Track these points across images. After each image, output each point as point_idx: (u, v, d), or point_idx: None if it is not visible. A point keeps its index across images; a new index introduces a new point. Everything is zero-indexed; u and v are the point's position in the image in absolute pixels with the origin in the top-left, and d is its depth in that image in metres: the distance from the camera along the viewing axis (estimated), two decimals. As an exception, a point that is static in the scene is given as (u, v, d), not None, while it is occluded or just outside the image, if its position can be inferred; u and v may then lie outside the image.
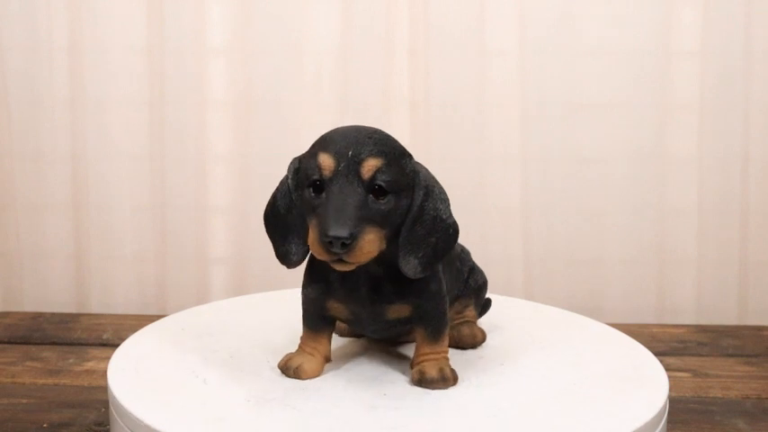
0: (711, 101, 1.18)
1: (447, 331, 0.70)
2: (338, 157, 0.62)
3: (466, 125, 1.19)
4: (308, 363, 0.70)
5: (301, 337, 0.72)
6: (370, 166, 0.62)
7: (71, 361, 1.02)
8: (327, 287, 0.68)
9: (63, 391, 0.93)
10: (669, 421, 0.73)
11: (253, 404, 0.65)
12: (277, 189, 0.68)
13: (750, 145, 1.19)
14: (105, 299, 1.25)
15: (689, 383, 0.97)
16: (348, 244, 0.60)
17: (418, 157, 0.71)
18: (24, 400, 0.91)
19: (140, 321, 1.02)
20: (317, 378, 0.70)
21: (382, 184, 0.62)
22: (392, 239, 0.64)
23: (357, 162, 0.62)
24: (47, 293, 1.26)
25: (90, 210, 1.23)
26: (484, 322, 0.83)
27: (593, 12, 1.17)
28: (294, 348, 0.73)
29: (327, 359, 0.72)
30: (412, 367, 0.70)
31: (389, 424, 0.62)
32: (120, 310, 1.25)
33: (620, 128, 1.19)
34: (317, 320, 0.71)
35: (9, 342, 1.09)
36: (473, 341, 0.78)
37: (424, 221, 0.65)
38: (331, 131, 0.66)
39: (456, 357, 0.73)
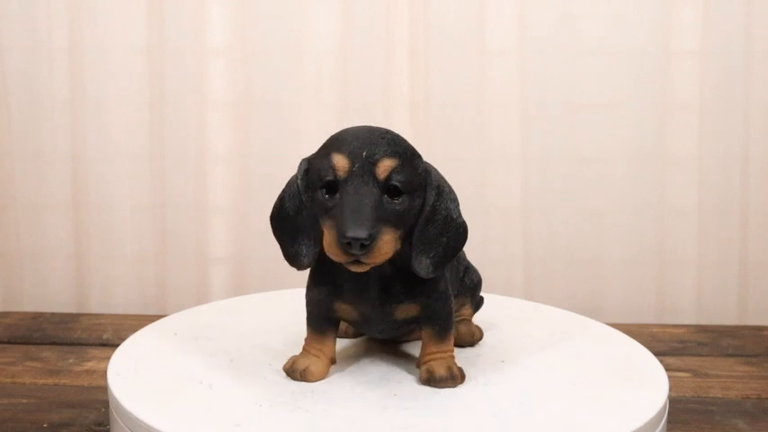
0: (711, 101, 1.18)
1: (453, 330, 0.71)
2: (352, 157, 0.62)
3: (466, 125, 1.19)
4: (315, 365, 0.69)
5: (306, 339, 0.71)
6: (385, 166, 0.62)
7: (71, 361, 1.02)
8: (335, 289, 0.68)
9: (63, 391, 0.93)
10: (669, 421, 0.73)
11: (264, 408, 0.64)
12: (284, 190, 0.68)
13: (750, 145, 1.19)
14: (105, 299, 1.25)
15: (689, 383, 0.97)
16: (367, 245, 0.59)
17: (418, 157, 0.71)
18: (24, 400, 0.91)
19: (140, 321, 1.02)
20: (324, 380, 0.70)
21: (397, 184, 0.62)
22: (403, 240, 0.64)
23: (372, 162, 0.62)
24: (47, 293, 1.26)
25: (90, 210, 1.23)
26: (484, 321, 0.83)
27: (593, 12, 1.17)
28: (295, 350, 0.73)
29: (333, 361, 0.71)
30: (419, 366, 0.70)
31: (402, 424, 0.62)
32: (120, 310, 1.25)
33: (620, 128, 1.19)
34: (322, 322, 0.70)
35: (9, 342, 1.09)
36: (471, 339, 0.78)
37: (436, 221, 0.65)
38: (341, 132, 0.65)
39: (455, 356, 0.73)
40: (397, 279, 0.67)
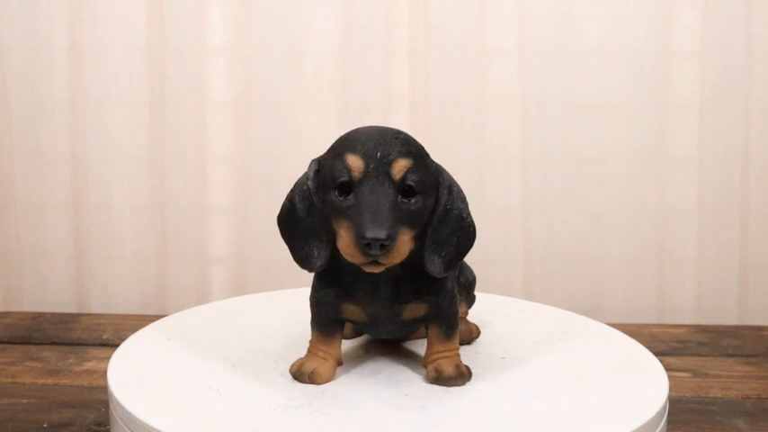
0: (711, 101, 1.18)
1: (458, 328, 0.71)
2: (367, 157, 0.62)
3: (466, 125, 1.19)
4: (322, 367, 0.69)
5: (311, 342, 0.71)
6: (400, 166, 0.62)
7: (71, 361, 1.02)
8: (342, 290, 0.67)
9: (63, 391, 0.93)
10: (669, 421, 0.73)
11: (279, 412, 0.64)
12: (293, 192, 0.67)
13: (750, 145, 1.19)
14: (105, 299, 1.25)
15: (689, 383, 0.97)
16: (386, 245, 0.59)
17: (418, 157, 0.71)
18: (24, 400, 0.91)
19: (140, 321, 1.02)
20: (332, 382, 0.69)
21: (412, 184, 0.62)
22: (415, 239, 0.64)
23: (387, 163, 0.62)
24: (47, 293, 1.26)
25: (90, 210, 1.23)
26: (485, 321, 0.83)
27: (593, 12, 1.17)
28: (297, 351, 0.73)
29: (339, 362, 0.71)
30: (425, 365, 0.70)
31: (424, 424, 0.62)
32: (120, 310, 1.25)
33: (620, 128, 1.19)
34: (328, 324, 0.70)
35: (9, 342, 1.09)
36: (469, 337, 0.78)
37: (449, 221, 0.66)
38: (352, 132, 0.65)
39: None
40: (406, 279, 0.66)
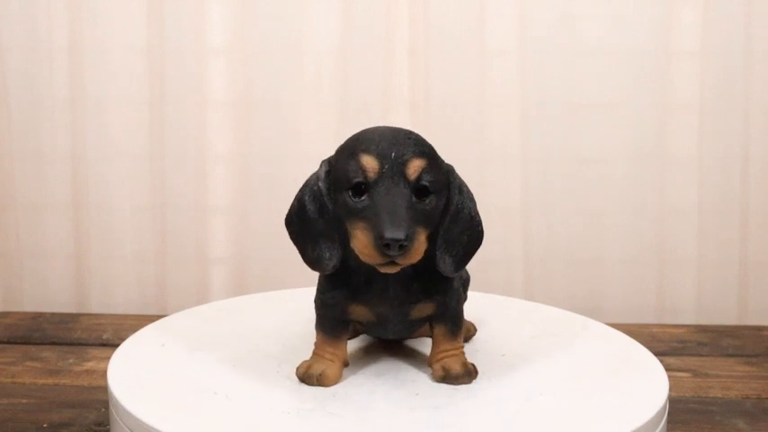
0: (711, 101, 1.18)
1: (463, 327, 0.71)
2: (381, 158, 0.62)
3: (466, 125, 1.19)
4: (330, 369, 0.69)
5: (316, 344, 0.70)
6: (415, 166, 0.62)
7: (71, 361, 1.02)
8: (351, 291, 0.67)
9: (63, 391, 0.93)
10: (669, 421, 0.73)
11: (294, 416, 0.63)
12: (302, 193, 0.67)
13: (750, 145, 1.19)
14: (105, 299, 1.25)
15: (689, 383, 0.97)
16: (405, 246, 0.59)
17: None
18: (24, 400, 0.91)
19: (140, 321, 1.02)
20: (340, 384, 0.69)
21: (427, 184, 0.62)
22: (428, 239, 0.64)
23: (401, 163, 0.62)
24: (47, 293, 1.26)
25: (90, 210, 1.23)
26: (484, 321, 0.83)
27: (593, 12, 1.17)
28: (298, 352, 0.73)
29: (346, 363, 0.71)
30: (431, 364, 0.70)
31: (440, 423, 0.62)
32: (120, 310, 1.25)
33: (620, 128, 1.19)
34: (335, 325, 0.69)
35: (9, 342, 1.09)
36: (467, 334, 0.79)
37: (460, 220, 0.66)
38: (363, 133, 0.65)
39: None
40: (415, 278, 0.66)
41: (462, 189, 0.67)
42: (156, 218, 1.23)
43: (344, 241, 0.64)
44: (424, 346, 0.78)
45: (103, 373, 0.76)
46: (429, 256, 0.64)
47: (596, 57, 1.18)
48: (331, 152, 1.26)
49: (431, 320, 0.70)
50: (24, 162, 1.23)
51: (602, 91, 1.18)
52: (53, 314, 1.20)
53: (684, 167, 1.19)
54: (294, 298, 0.91)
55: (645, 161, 1.20)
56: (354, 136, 0.65)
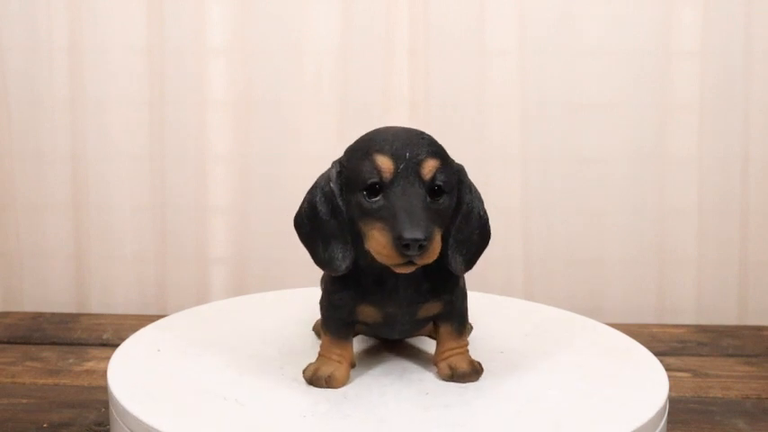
0: (711, 101, 1.18)
1: (467, 325, 0.71)
2: (396, 158, 0.62)
3: (466, 125, 1.19)
4: (338, 371, 0.68)
5: (322, 345, 0.70)
6: (430, 166, 0.62)
7: (71, 361, 1.02)
8: (360, 292, 0.67)
9: (63, 391, 0.93)
10: (669, 421, 0.73)
11: (311, 419, 0.62)
12: (312, 194, 0.66)
13: (750, 145, 1.19)
14: (105, 299, 1.25)
15: (689, 383, 0.97)
16: (424, 246, 0.59)
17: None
18: (24, 400, 0.91)
19: (140, 321, 1.02)
20: (349, 385, 0.68)
21: (441, 184, 0.63)
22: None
23: (416, 163, 0.62)
24: (47, 293, 1.26)
25: (90, 210, 1.23)
26: (484, 321, 0.83)
27: (593, 12, 1.17)
28: (301, 353, 0.72)
29: (353, 365, 0.70)
30: (436, 363, 0.71)
31: (458, 421, 0.62)
32: (120, 310, 1.25)
33: (620, 128, 1.19)
34: (342, 327, 0.69)
35: (9, 342, 1.09)
36: None
37: (470, 220, 0.67)
38: (375, 133, 0.65)
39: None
40: (424, 278, 0.66)
41: (472, 188, 0.67)
42: (156, 218, 1.23)
43: (355, 242, 0.64)
44: (423, 343, 0.78)
45: (103, 373, 0.76)
46: (440, 255, 0.64)
47: (596, 57, 1.18)
48: (331, 152, 1.26)
49: (436, 319, 0.70)
50: (24, 162, 1.23)
51: (602, 91, 1.18)
52: (53, 314, 1.20)
53: (684, 167, 1.19)
54: (294, 298, 0.91)
55: (645, 161, 1.20)
56: (365, 136, 0.65)
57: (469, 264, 0.67)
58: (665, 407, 0.68)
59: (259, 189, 1.21)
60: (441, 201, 0.63)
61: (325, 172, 0.66)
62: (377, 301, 0.67)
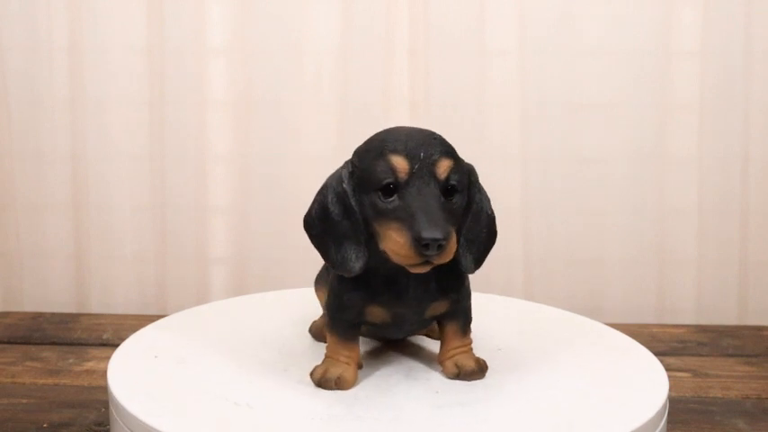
0: (711, 101, 1.18)
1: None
2: (411, 158, 0.62)
3: (466, 125, 1.19)
4: (347, 372, 0.68)
5: (329, 347, 0.69)
6: (445, 166, 0.63)
7: (71, 361, 1.02)
8: (369, 293, 0.67)
9: (63, 391, 0.93)
10: (669, 421, 0.73)
11: (327, 422, 0.62)
12: (323, 195, 0.66)
13: (750, 145, 1.19)
14: (105, 299, 1.25)
15: (689, 383, 0.97)
16: (443, 245, 0.59)
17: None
18: (24, 400, 0.91)
19: (140, 321, 1.02)
20: (357, 387, 0.68)
21: (455, 183, 0.63)
22: None
23: (431, 163, 0.62)
24: (47, 293, 1.26)
25: (90, 210, 1.23)
26: (484, 321, 0.83)
27: (593, 12, 1.17)
28: (299, 352, 0.72)
29: (360, 366, 0.70)
30: (441, 361, 0.71)
31: (474, 419, 0.62)
32: (120, 310, 1.25)
33: (620, 128, 1.19)
34: (349, 328, 0.69)
35: (9, 342, 1.09)
36: None
37: (480, 218, 0.67)
38: (387, 133, 0.65)
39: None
40: (432, 277, 0.66)
41: (481, 188, 0.68)
42: (156, 218, 1.23)
43: (368, 243, 0.64)
44: (423, 342, 0.78)
45: (103, 373, 0.76)
46: None
47: (596, 57, 1.18)
48: (331, 152, 1.26)
49: (442, 318, 0.70)
50: (24, 162, 1.23)
51: (602, 91, 1.18)
52: (53, 314, 1.20)
53: (684, 167, 1.19)
54: (294, 298, 0.91)
55: (645, 161, 1.20)
56: (377, 137, 0.65)
57: (479, 263, 0.67)
58: (665, 407, 0.68)
59: (259, 189, 1.21)
60: (454, 200, 0.63)
61: (336, 173, 0.66)
62: (386, 302, 0.67)
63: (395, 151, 0.62)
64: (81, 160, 1.22)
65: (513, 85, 1.18)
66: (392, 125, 1.22)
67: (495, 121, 1.19)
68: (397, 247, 0.60)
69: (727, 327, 1.18)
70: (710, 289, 1.22)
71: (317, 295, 0.80)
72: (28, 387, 0.95)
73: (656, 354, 0.79)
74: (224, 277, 1.24)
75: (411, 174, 0.62)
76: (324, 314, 0.80)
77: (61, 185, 1.23)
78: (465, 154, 1.20)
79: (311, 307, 0.81)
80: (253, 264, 1.23)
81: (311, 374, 0.69)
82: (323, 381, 0.67)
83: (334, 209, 0.65)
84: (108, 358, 0.74)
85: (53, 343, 1.09)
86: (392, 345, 0.77)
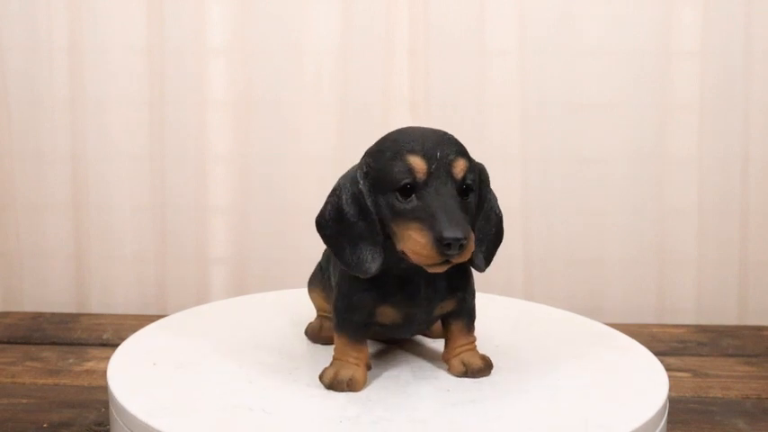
0: (711, 101, 1.18)
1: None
2: (428, 158, 0.62)
3: (466, 125, 1.19)
4: (357, 373, 0.67)
5: (337, 349, 0.69)
6: (461, 166, 0.63)
7: (71, 361, 1.02)
8: (380, 293, 0.66)
9: (63, 391, 0.93)
10: (669, 421, 0.73)
11: (349, 425, 0.61)
12: (337, 196, 0.65)
13: (750, 145, 1.19)
14: (105, 299, 1.25)
15: (689, 383, 0.97)
16: (464, 245, 0.59)
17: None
18: (24, 400, 0.91)
19: (140, 321, 1.02)
20: (368, 388, 0.68)
21: (470, 183, 0.63)
22: None
23: (447, 163, 0.62)
24: (47, 293, 1.26)
25: (90, 210, 1.23)
26: (484, 322, 0.83)
27: (593, 12, 1.17)
28: (298, 352, 0.72)
29: (369, 367, 0.70)
30: (447, 360, 0.71)
31: (490, 416, 0.62)
32: (120, 310, 1.25)
33: (620, 128, 1.19)
34: (359, 329, 0.68)
35: (9, 342, 1.09)
36: None
37: (490, 217, 0.68)
38: (401, 134, 0.65)
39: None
40: (442, 276, 0.66)
41: (490, 187, 0.68)
42: (156, 218, 1.23)
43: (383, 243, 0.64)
44: (422, 340, 0.78)
45: (103, 373, 0.76)
46: None
47: (596, 57, 1.18)
48: (331, 152, 1.26)
49: (448, 316, 0.70)
50: (24, 162, 1.23)
51: (602, 91, 1.18)
52: (53, 314, 1.20)
53: (684, 167, 1.19)
54: (294, 298, 0.91)
55: (645, 161, 1.20)
56: (390, 137, 0.65)
57: (488, 261, 0.68)
58: (665, 407, 0.68)
59: (259, 189, 1.21)
60: (468, 200, 0.63)
61: (349, 174, 0.66)
62: (398, 302, 0.67)
63: (412, 151, 0.62)
64: (81, 160, 1.22)
65: (513, 85, 1.18)
66: (392, 125, 1.23)
67: (495, 121, 1.19)
68: (419, 248, 0.60)
69: (727, 327, 1.18)
70: (710, 289, 1.22)
71: (311, 297, 0.80)
72: (28, 387, 0.95)
73: (656, 354, 0.79)
74: (224, 277, 1.24)
75: (429, 174, 0.62)
76: (317, 316, 0.80)
77: (61, 185, 1.23)
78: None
79: (311, 307, 0.81)
80: (253, 264, 1.23)
81: (321, 377, 0.68)
82: (334, 383, 0.67)
83: (350, 210, 0.65)
84: (108, 358, 0.74)
85: (53, 343, 1.09)
86: (394, 344, 0.77)
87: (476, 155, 1.22)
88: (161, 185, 1.22)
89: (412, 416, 0.63)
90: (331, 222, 0.65)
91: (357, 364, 0.68)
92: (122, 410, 0.65)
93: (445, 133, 0.65)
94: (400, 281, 0.66)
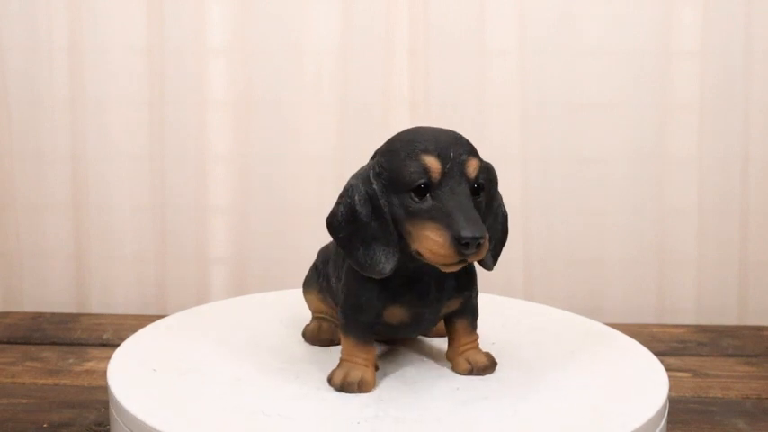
0: (711, 101, 1.18)
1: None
2: (442, 158, 0.62)
3: (466, 125, 1.19)
4: (367, 374, 0.67)
5: (344, 350, 0.68)
6: (474, 166, 0.63)
7: (71, 361, 1.02)
8: (389, 293, 0.66)
9: (63, 391, 0.93)
10: (669, 421, 0.73)
11: (366, 427, 0.61)
12: (349, 196, 0.65)
13: (750, 145, 1.19)
14: (105, 299, 1.25)
15: (689, 383, 0.97)
16: (481, 244, 0.60)
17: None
18: (24, 400, 0.91)
19: (140, 321, 1.02)
20: (377, 389, 0.68)
21: (483, 182, 0.64)
22: None
23: (460, 163, 0.63)
24: (47, 293, 1.26)
25: (90, 210, 1.23)
26: (484, 322, 0.83)
27: (593, 12, 1.17)
28: (299, 353, 0.72)
29: (377, 368, 0.70)
30: (451, 358, 0.71)
31: (503, 414, 0.63)
32: (120, 310, 1.25)
33: (620, 128, 1.19)
34: (367, 330, 0.68)
35: (9, 342, 1.09)
36: None
37: (498, 216, 0.68)
38: (413, 134, 0.65)
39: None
40: (450, 275, 0.67)
41: (497, 187, 0.69)
42: (156, 218, 1.23)
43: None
44: (421, 339, 0.78)
45: (103, 373, 0.76)
46: None
47: (596, 57, 1.18)
48: (331, 152, 1.26)
49: (452, 315, 0.70)
50: (24, 162, 1.23)
51: (602, 91, 1.18)
52: (53, 314, 1.20)
53: (684, 167, 1.19)
54: (294, 298, 0.91)
55: (645, 161, 1.20)
56: (402, 137, 0.65)
57: (495, 259, 0.69)
58: (665, 407, 0.68)
59: (259, 189, 1.21)
60: (480, 199, 0.64)
61: (360, 174, 0.65)
62: (407, 302, 0.67)
63: (427, 151, 0.63)
64: (81, 160, 1.22)
65: (513, 85, 1.18)
66: (392, 125, 1.23)
67: (495, 121, 1.19)
68: (437, 247, 0.60)
69: (727, 327, 1.18)
70: (710, 289, 1.22)
71: (307, 299, 0.79)
72: (28, 387, 0.95)
73: (656, 354, 0.79)
74: (224, 277, 1.24)
75: (443, 174, 0.62)
76: (313, 318, 0.80)
77: (61, 185, 1.23)
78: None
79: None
80: (253, 264, 1.23)
81: (330, 379, 0.68)
82: (345, 384, 0.67)
83: (363, 210, 0.64)
84: (108, 358, 0.74)
85: (53, 343, 1.09)
86: (395, 344, 0.77)
87: (476, 155, 1.22)
88: (161, 185, 1.22)
89: (426, 415, 0.63)
90: (344, 223, 0.65)
91: (366, 365, 0.68)
92: (122, 410, 0.65)
93: (455, 133, 0.65)
94: (409, 281, 0.66)
